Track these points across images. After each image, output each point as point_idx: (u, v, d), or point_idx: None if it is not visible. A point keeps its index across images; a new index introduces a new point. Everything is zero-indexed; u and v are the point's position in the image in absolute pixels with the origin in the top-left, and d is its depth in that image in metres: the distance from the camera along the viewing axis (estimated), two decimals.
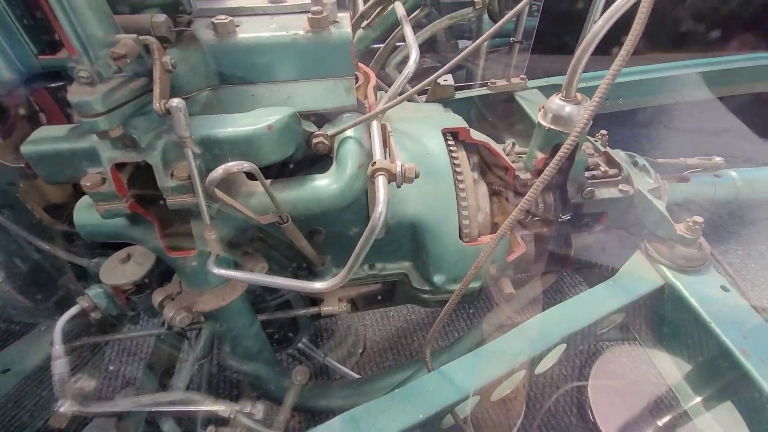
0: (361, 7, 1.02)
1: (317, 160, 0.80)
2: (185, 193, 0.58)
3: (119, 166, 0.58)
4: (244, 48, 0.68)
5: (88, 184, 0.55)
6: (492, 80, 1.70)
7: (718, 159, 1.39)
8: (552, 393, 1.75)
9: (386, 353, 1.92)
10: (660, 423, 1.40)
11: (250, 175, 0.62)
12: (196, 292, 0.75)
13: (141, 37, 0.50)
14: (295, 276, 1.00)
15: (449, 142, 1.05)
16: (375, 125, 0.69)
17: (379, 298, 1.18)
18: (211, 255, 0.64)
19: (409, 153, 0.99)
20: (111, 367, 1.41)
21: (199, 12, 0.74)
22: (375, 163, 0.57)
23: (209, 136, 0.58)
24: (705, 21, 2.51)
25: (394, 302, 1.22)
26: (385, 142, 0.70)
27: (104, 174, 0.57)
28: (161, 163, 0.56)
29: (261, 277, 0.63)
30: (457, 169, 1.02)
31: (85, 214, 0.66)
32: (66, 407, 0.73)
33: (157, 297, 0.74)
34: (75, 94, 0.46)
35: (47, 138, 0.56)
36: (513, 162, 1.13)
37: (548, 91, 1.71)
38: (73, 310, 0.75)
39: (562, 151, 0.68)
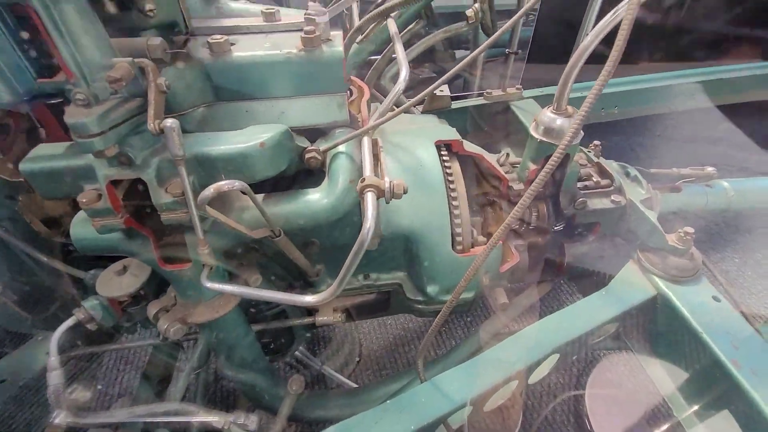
0: (357, 22, 1.05)
1: (314, 172, 0.82)
2: (179, 208, 0.59)
3: (115, 183, 0.59)
4: (239, 66, 0.70)
5: (84, 200, 0.56)
6: (488, 90, 1.72)
7: (710, 169, 1.41)
8: (549, 402, 1.75)
9: (383, 361, 1.92)
10: None
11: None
12: (191, 304, 0.76)
13: (136, 60, 0.52)
14: (291, 285, 1.01)
15: (443, 154, 1.06)
16: (366, 141, 0.70)
17: (374, 307, 1.18)
18: (205, 269, 0.66)
19: (402, 165, 1.01)
20: (99, 386, 1.42)
21: (196, 30, 0.76)
22: (364, 179, 0.59)
23: (203, 154, 0.60)
24: (698, 31, 2.54)
25: (389, 312, 1.23)
26: (376, 157, 0.71)
27: (100, 190, 0.58)
28: (156, 180, 0.58)
29: (253, 291, 0.64)
30: (450, 179, 1.03)
31: (82, 228, 0.67)
32: (61, 418, 0.73)
33: (152, 309, 0.75)
34: (72, 116, 0.48)
35: (45, 156, 0.57)
36: (507, 172, 1.15)
37: (543, 100, 1.73)
38: (69, 322, 0.76)
39: (551, 163, 0.70)
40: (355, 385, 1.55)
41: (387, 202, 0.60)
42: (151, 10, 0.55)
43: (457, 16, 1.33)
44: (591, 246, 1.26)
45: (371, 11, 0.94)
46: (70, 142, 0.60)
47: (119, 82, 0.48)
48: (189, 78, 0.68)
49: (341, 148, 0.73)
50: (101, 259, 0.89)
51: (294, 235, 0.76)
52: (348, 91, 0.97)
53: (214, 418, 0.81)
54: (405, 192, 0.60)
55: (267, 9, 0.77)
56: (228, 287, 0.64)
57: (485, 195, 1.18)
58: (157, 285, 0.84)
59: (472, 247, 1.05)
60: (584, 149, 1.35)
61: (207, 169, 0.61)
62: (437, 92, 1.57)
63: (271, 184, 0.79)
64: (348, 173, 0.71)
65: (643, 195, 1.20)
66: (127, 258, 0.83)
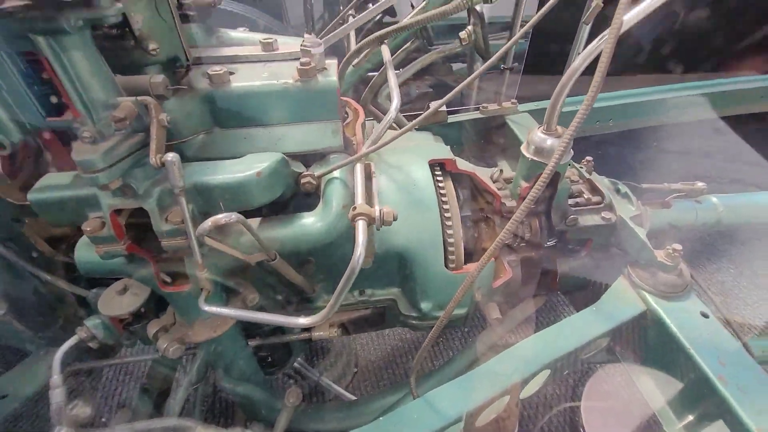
0: (354, 46, 1.08)
1: (309, 195, 0.85)
2: (179, 235, 0.62)
3: (118, 210, 0.62)
4: (238, 96, 0.73)
5: (88, 228, 0.59)
6: (484, 104, 1.75)
7: (700, 184, 1.43)
8: (545, 413, 1.76)
9: (381, 372, 1.93)
10: None
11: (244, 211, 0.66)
12: (189, 324, 0.78)
13: (139, 98, 0.55)
14: (288, 302, 1.04)
15: (436, 174, 1.09)
16: (359, 167, 0.73)
17: (370, 322, 1.21)
18: (203, 292, 0.68)
19: (397, 184, 1.04)
20: (99, 396, 1.43)
21: (197, 59, 0.79)
22: (356, 207, 0.62)
23: (202, 183, 0.62)
24: (691, 45, 2.58)
25: (385, 326, 1.25)
26: (369, 179, 0.74)
27: (104, 218, 0.61)
28: (157, 209, 0.61)
29: (249, 314, 0.67)
30: (443, 199, 1.06)
31: (85, 252, 0.70)
32: None
33: (152, 329, 0.77)
34: (79, 153, 0.51)
35: (52, 186, 0.60)
36: (500, 189, 1.17)
37: (538, 114, 1.77)
38: (71, 341, 0.78)
39: (540, 183, 0.72)
40: (353, 397, 1.57)
41: (377, 229, 0.63)
42: (154, 50, 0.58)
43: (454, 27, 1.36)
44: (583, 261, 1.28)
45: (364, 35, 0.97)
46: (74, 171, 0.63)
47: (123, 122, 0.51)
48: (190, 107, 0.71)
49: (335, 173, 0.76)
50: (103, 278, 0.91)
51: (290, 255, 0.79)
52: (344, 113, 1.00)
53: None
54: (395, 219, 0.63)
55: (265, 39, 0.81)
56: (225, 310, 0.67)
57: (480, 211, 1.20)
58: (157, 303, 0.86)
59: (465, 263, 1.07)
60: (576, 165, 1.38)
61: (206, 197, 0.64)
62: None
63: (267, 205, 0.82)
64: (341, 198, 0.73)
65: (633, 212, 1.22)
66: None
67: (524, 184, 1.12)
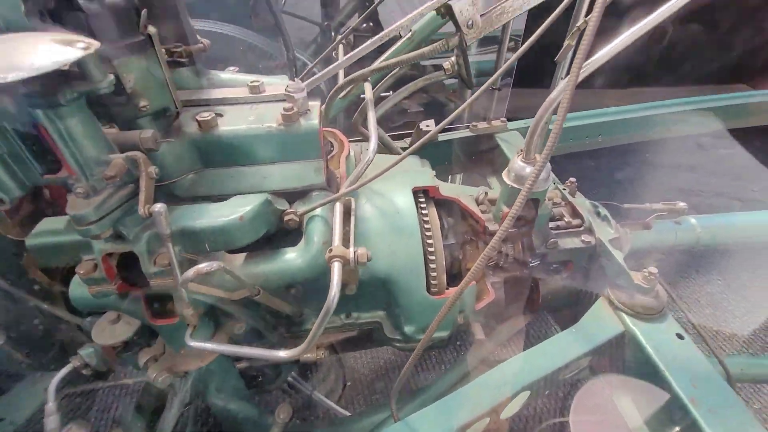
0: (342, 79, 1.13)
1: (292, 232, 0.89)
2: (167, 276, 0.66)
3: (109, 253, 0.67)
4: (226, 139, 0.78)
5: (82, 271, 0.64)
6: (473, 123, 1.80)
7: (681, 204, 1.47)
8: (534, 427, 1.78)
9: (374, 386, 1.96)
10: None
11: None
12: (178, 354, 0.82)
13: (129, 154, 0.59)
14: (274, 328, 1.08)
15: (420, 201, 1.13)
16: (338, 208, 0.78)
17: (357, 342, 1.24)
18: (189, 328, 0.72)
19: (380, 211, 1.08)
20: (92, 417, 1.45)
21: (187, 102, 0.84)
22: (332, 249, 0.66)
23: (188, 227, 0.67)
24: (679, 59, 2.64)
25: (372, 345, 1.29)
26: (348, 218, 0.78)
27: (96, 261, 0.65)
28: (146, 253, 0.65)
29: (232, 348, 0.71)
30: (426, 226, 1.10)
31: (79, 288, 0.74)
32: None
33: (143, 358, 0.81)
34: (73, 207, 0.55)
35: (48, 231, 0.65)
36: (484, 212, 1.22)
37: (527, 132, 1.81)
38: (66, 369, 0.82)
39: (513, 210, 0.76)
40: (345, 412, 1.60)
41: (352, 270, 0.67)
42: (144, 106, 0.63)
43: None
44: (565, 282, 1.32)
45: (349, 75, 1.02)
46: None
47: (114, 179, 0.55)
48: (179, 151, 0.76)
49: (317, 211, 0.80)
50: None
51: (275, 289, 0.83)
52: (329, 146, 1.05)
53: None
54: (369, 260, 0.67)
55: (252, 82, 0.85)
56: (209, 345, 0.71)
57: (465, 233, 1.24)
58: (149, 331, 0.90)
59: (447, 288, 1.11)
60: (560, 187, 1.42)
61: (192, 240, 0.68)
62: (423, 127, 1.65)
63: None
64: (322, 236, 0.78)
65: (612, 234, 1.26)
66: None
67: (506, 209, 1.16)
